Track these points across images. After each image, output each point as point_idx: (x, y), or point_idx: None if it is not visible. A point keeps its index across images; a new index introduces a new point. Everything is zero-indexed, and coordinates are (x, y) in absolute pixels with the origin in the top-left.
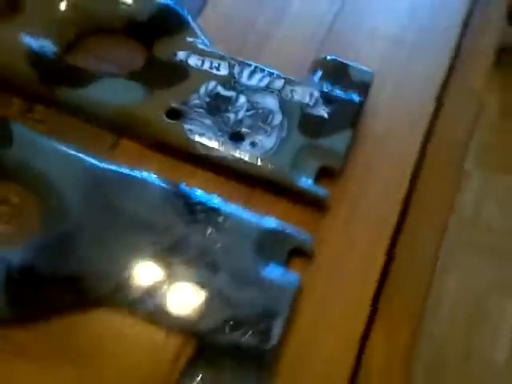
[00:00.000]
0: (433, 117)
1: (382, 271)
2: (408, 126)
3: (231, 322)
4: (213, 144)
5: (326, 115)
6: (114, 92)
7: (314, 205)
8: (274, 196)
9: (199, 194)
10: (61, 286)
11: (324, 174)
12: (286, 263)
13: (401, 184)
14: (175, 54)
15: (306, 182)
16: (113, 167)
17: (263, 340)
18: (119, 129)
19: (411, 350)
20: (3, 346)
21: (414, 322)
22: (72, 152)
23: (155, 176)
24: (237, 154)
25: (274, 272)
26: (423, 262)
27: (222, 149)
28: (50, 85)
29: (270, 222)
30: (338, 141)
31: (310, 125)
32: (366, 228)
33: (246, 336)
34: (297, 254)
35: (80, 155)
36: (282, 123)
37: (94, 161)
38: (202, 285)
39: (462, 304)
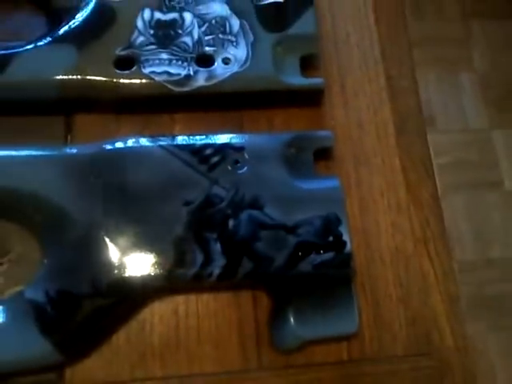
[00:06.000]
0: None
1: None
2: None
3: (299, 252)
4: (183, 77)
5: (280, 0)
6: (39, 65)
7: (309, 101)
8: (267, 110)
9: (197, 138)
10: (106, 296)
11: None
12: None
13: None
14: None
15: (297, 78)
16: (91, 149)
17: (339, 249)
18: (65, 105)
19: None
20: None
21: None
22: (37, 153)
23: (143, 139)
24: (213, 78)
25: (312, 183)
26: None
27: (195, 79)
28: None
29: (284, 136)
30: (305, 24)
31: (270, 18)
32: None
33: (320, 256)
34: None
35: (49, 152)
36: (242, 27)
37: (70, 151)
38: (256, 226)
39: None
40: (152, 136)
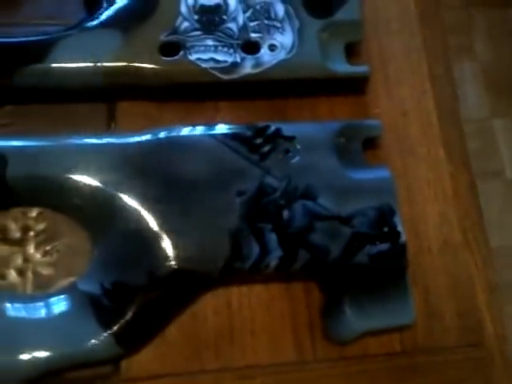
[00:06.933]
0: None
1: None
2: None
3: (355, 243)
4: (230, 64)
5: None
6: (83, 51)
7: (353, 88)
8: (311, 99)
9: (246, 127)
10: (163, 288)
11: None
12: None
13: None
14: None
15: (342, 66)
16: (140, 138)
17: (394, 240)
18: (109, 93)
19: None
20: None
21: None
22: (85, 142)
23: (193, 128)
24: (260, 66)
25: (363, 173)
26: None
27: (242, 66)
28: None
29: (334, 124)
30: (351, 10)
31: (315, 3)
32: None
33: (376, 247)
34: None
35: (98, 141)
36: (287, 12)
37: (119, 140)
38: (311, 217)
39: None
40: (200, 124)
